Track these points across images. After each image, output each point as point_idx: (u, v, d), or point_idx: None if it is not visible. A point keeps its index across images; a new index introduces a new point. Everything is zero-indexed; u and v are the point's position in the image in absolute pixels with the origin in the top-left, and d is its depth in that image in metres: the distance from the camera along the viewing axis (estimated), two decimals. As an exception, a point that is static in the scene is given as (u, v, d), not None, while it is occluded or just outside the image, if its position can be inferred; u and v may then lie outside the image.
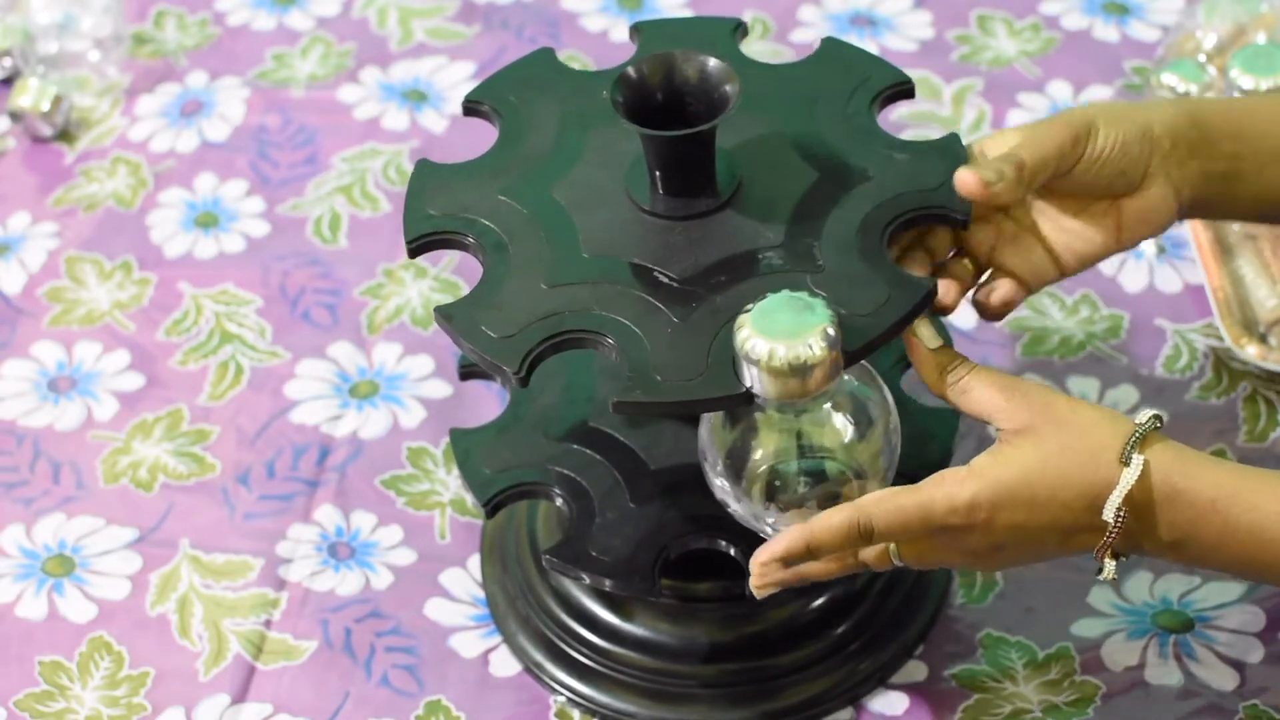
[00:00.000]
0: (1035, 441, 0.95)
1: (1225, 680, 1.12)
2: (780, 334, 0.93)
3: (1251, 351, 1.24)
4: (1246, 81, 1.29)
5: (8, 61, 1.49)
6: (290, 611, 1.18)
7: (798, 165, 1.03)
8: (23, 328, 1.34)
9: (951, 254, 1.05)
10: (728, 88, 0.99)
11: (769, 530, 1.00)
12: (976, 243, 1.04)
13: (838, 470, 0.99)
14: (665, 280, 0.99)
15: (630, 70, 1.00)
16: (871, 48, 1.48)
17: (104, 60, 1.49)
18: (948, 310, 1.02)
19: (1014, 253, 1.04)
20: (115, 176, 1.43)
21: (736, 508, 1.01)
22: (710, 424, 1.00)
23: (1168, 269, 1.33)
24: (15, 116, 1.45)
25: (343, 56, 1.51)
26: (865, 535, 0.96)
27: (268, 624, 1.17)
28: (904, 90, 1.07)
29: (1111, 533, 0.94)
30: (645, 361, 0.96)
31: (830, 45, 1.10)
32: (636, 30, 1.10)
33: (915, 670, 1.14)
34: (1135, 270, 1.33)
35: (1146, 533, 0.95)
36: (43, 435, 1.27)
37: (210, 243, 1.38)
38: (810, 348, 0.93)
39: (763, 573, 0.98)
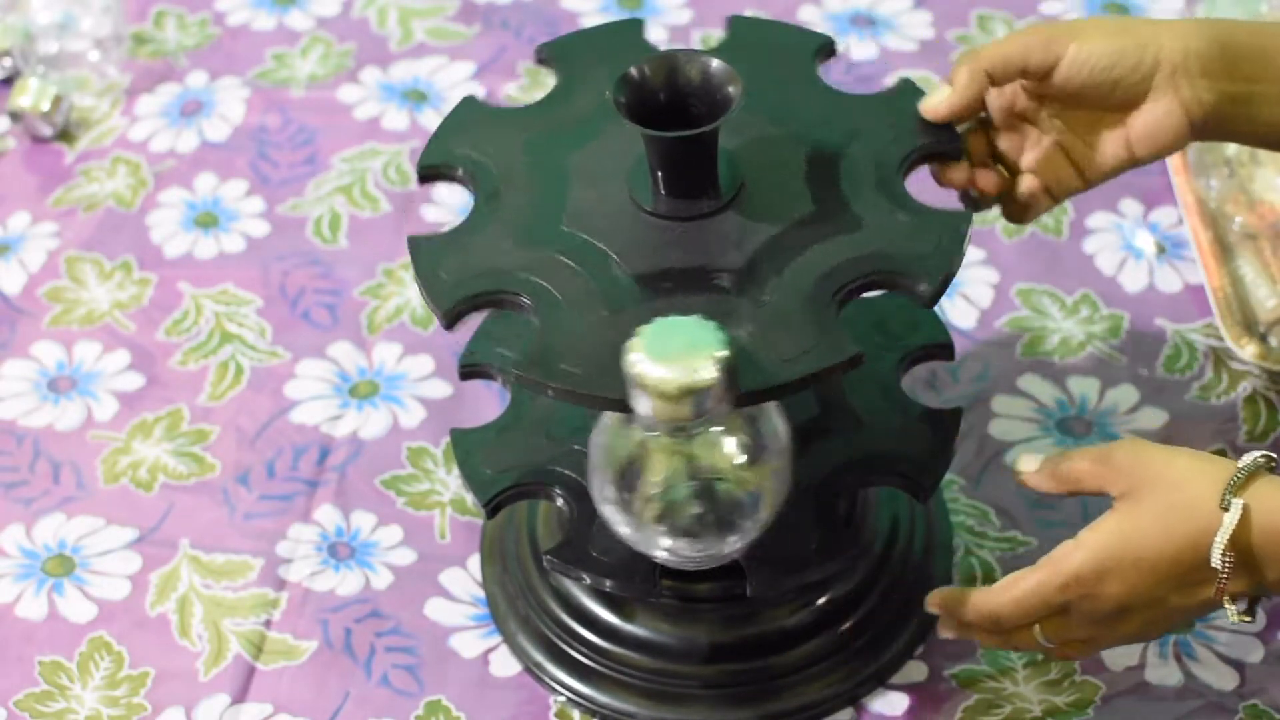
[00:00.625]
0: (1133, 502, 0.96)
1: (1225, 680, 1.12)
2: (670, 357, 0.92)
3: (1251, 351, 1.24)
4: None
5: (8, 61, 1.49)
6: (290, 611, 1.18)
7: (799, 191, 1.02)
8: (23, 328, 1.34)
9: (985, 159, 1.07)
10: (730, 89, 0.99)
11: (659, 554, 1.01)
12: (1006, 149, 1.07)
13: (727, 492, 0.99)
14: (620, 273, 0.99)
15: (633, 70, 1.00)
16: (871, 48, 1.48)
17: (104, 60, 1.49)
18: (986, 200, 1.07)
19: (1040, 160, 1.06)
20: (115, 176, 1.43)
21: (625, 530, 1.01)
22: (604, 438, 1.00)
23: (1168, 269, 1.33)
24: (15, 116, 1.45)
25: (343, 56, 1.51)
26: (995, 625, 1.00)
27: (268, 624, 1.17)
28: (950, 151, 1.05)
29: (1222, 578, 0.95)
30: (555, 344, 0.95)
31: (905, 86, 1.07)
32: (733, 23, 1.11)
33: (915, 670, 1.14)
34: (1135, 270, 1.33)
35: (1261, 572, 0.95)
36: (43, 435, 1.27)
37: (210, 243, 1.38)
38: (699, 373, 0.91)
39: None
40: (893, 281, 0.98)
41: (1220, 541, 0.94)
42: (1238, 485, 0.94)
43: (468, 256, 1.00)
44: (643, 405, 0.92)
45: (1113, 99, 1.03)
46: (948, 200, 1.06)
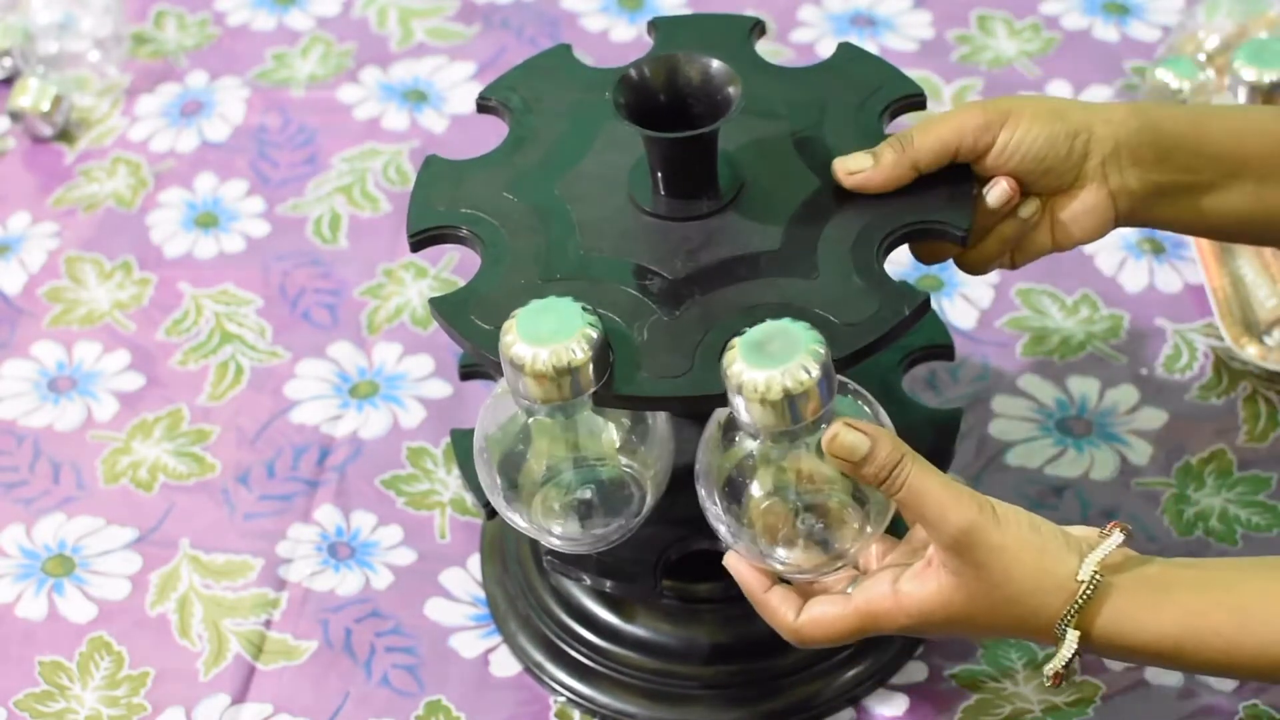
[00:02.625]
0: (964, 590, 0.92)
1: (1225, 680, 1.12)
2: (543, 337, 0.93)
3: (1251, 351, 1.24)
4: (1249, 74, 1.29)
5: (8, 61, 1.49)
6: (290, 611, 1.18)
7: (799, 171, 1.02)
8: (23, 328, 1.34)
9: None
10: (730, 90, 0.99)
11: (552, 540, 1.01)
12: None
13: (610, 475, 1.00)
14: (659, 280, 0.99)
15: (632, 71, 1.00)
16: (871, 47, 1.48)
17: (104, 60, 1.49)
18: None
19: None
20: (115, 176, 1.43)
21: (515, 518, 1.01)
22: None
23: (1168, 269, 1.33)
24: (15, 116, 1.45)
25: (343, 56, 1.51)
26: (788, 634, 0.96)
27: (268, 624, 1.17)
28: (916, 102, 1.07)
29: (1047, 679, 0.93)
30: (627, 356, 0.96)
31: (845, 51, 1.09)
32: (654, 26, 1.11)
33: (915, 670, 1.14)
34: (1135, 270, 1.33)
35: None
36: (43, 435, 1.27)
37: (210, 243, 1.38)
38: (572, 352, 0.92)
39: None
40: (928, 228, 1.00)
41: (1054, 667, 0.92)
42: (1074, 614, 0.91)
43: (494, 301, 0.99)
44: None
45: (1041, 184, 1.02)
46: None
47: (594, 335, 0.93)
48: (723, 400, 0.93)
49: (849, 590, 0.96)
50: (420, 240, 1.03)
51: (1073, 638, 0.91)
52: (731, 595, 1.08)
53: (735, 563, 0.97)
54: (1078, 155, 1.01)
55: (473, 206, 1.03)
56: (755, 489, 0.96)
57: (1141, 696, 1.11)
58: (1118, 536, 0.91)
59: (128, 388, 1.30)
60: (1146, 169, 1.02)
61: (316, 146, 1.44)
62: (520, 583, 1.16)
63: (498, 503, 1.01)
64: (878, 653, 1.13)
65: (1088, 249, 1.34)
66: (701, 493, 0.97)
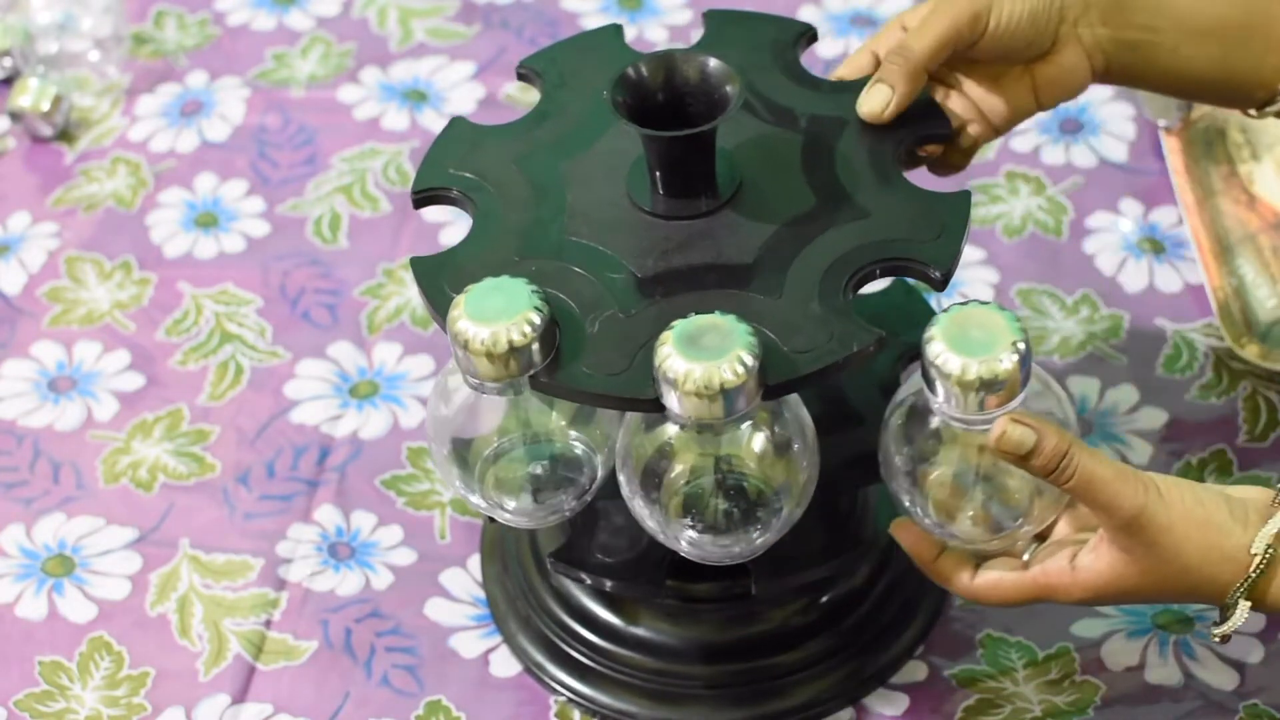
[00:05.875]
0: (1136, 565, 0.95)
1: (1225, 680, 1.12)
2: (490, 317, 0.94)
3: (1251, 351, 1.24)
4: None
5: (8, 61, 1.49)
6: (290, 611, 1.18)
7: (798, 185, 1.02)
8: (23, 328, 1.34)
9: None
10: (728, 89, 0.99)
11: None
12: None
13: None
14: (627, 275, 0.99)
15: (630, 70, 1.00)
16: (871, 48, 1.48)
17: (104, 60, 1.49)
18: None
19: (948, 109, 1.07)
20: (115, 176, 1.43)
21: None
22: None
23: (1168, 269, 1.33)
24: (15, 116, 1.45)
25: (343, 56, 1.51)
26: (966, 595, 1.00)
27: (268, 624, 1.17)
28: (941, 138, 1.05)
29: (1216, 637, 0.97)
30: (571, 349, 0.96)
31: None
32: (707, 18, 1.11)
33: (915, 670, 1.14)
34: (1135, 270, 1.33)
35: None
36: (43, 435, 1.27)
37: (210, 243, 1.38)
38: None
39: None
40: (904, 267, 0.98)
41: (1224, 631, 0.96)
42: (1247, 586, 0.94)
43: (469, 270, 0.99)
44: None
45: (1023, 55, 1.06)
46: (940, 183, 1.06)
47: (537, 320, 0.94)
48: (651, 405, 0.94)
49: (1026, 558, 0.99)
50: (421, 198, 1.04)
51: (1244, 607, 0.95)
52: (732, 595, 1.08)
53: (903, 531, 1.01)
54: (1055, 22, 1.04)
55: (478, 173, 1.04)
56: (674, 470, 0.98)
57: (1141, 696, 1.11)
58: None
59: (128, 388, 1.30)
60: (1115, 27, 1.05)
61: (316, 146, 1.44)
62: (520, 583, 1.16)
63: (449, 477, 1.02)
64: (878, 652, 1.13)
65: (1088, 249, 1.34)
66: (621, 473, 0.99)
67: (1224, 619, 0.96)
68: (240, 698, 1.14)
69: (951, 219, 0.99)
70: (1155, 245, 1.34)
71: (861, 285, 0.98)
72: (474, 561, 1.20)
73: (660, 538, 1.01)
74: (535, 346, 0.94)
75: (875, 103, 1.03)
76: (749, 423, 0.97)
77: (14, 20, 1.49)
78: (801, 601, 1.11)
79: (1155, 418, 1.24)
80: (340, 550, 1.21)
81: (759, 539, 1.01)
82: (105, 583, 1.20)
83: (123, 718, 1.13)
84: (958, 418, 0.94)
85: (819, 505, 1.05)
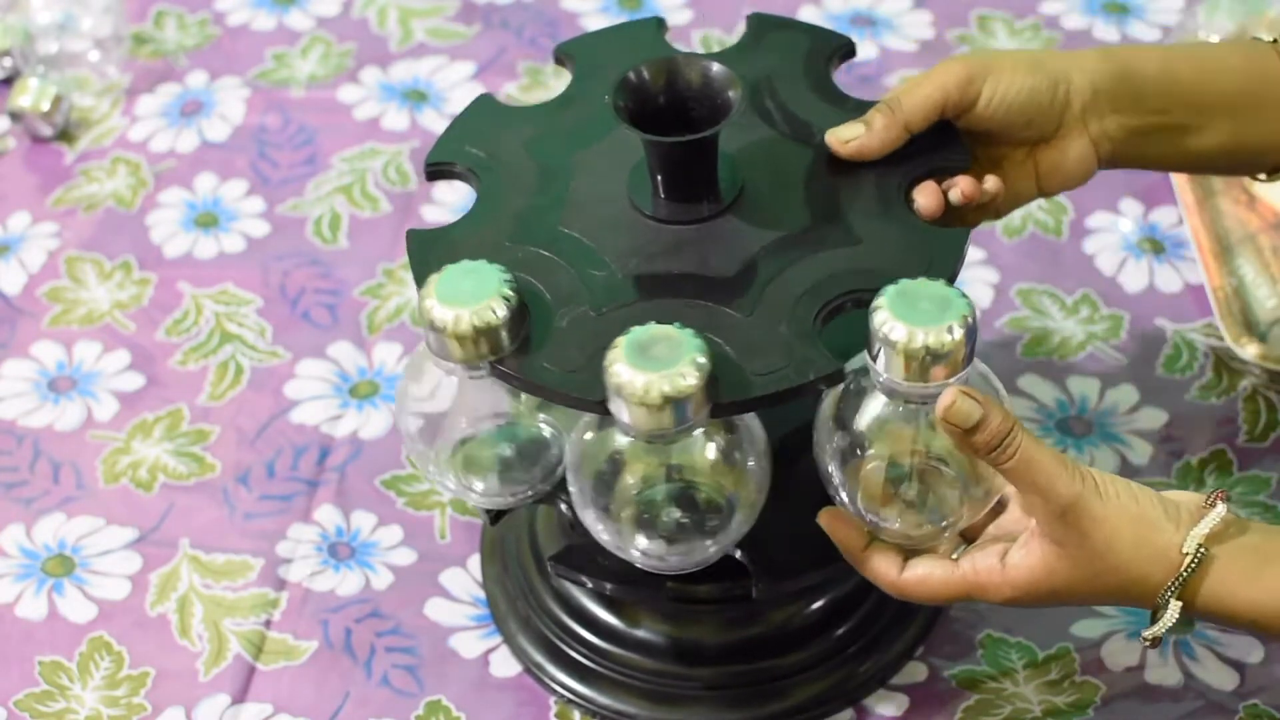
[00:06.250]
0: (1068, 560, 0.94)
1: (1225, 680, 1.12)
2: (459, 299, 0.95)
3: (1251, 351, 1.24)
4: None
5: (8, 61, 1.49)
6: (290, 611, 1.18)
7: (797, 202, 1.01)
8: (23, 328, 1.34)
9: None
10: (730, 93, 0.99)
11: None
12: None
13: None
14: (610, 274, 0.99)
15: (632, 74, 1.00)
16: (871, 48, 1.48)
17: (104, 60, 1.49)
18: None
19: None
20: (115, 176, 1.43)
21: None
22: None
23: (1168, 269, 1.33)
24: (15, 116, 1.45)
25: (343, 56, 1.51)
26: (891, 589, 0.99)
27: (268, 624, 1.17)
28: (956, 168, 1.02)
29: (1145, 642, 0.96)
30: (540, 338, 0.96)
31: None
32: (750, 21, 1.10)
33: (915, 671, 1.14)
34: (1135, 270, 1.33)
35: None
36: (43, 435, 1.27)
37: (210, 243, 1.38)
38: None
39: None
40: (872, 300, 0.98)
41: (1154, 632, 0.94)
42: (1178, 587, 0.93)
43: (461, 249, 1.00)
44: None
45: (1024, 135, 1.04)
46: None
47: (503, 307, 0.94)
48: (598, 407, 0.94)
49: (955, 556, 0.98)
50: (432, 171, 1.05)
51: (1175, 608, 0.93)
52: (732, 596, 1.08)
53: (831, 521, 0.99)
54: (1059, 105, 1.03)
55: (490, 153, 1.05)
56: (626, 479, 0.98)
57: (1142, 696, 1.11)
58: (1221, 508, 0.93)
59: (128, 388, 1.30)
60: (1124, 114, 1.04)
61: (316, 146, 1.44)
62: (520, 583, 1.16)
63: (415, 454, 1.03)
64: (878, 653, 1.13)
65: (1088, 249, 1.34)
66: (572, 482, 0.99)
67: (1154, 620, 0.94)
68: (240, 698, 1.14)
69: (941, 256, 0.97)
70: (1155, 245, 1.34)
71: (833, 317, 0.96)
72: (474, 562, 1.20)
73: (612, 548, 1.01)
74: (501, 333, 0.95)
75: (847, 132, 1.01)
76: (699, 432, 0.96)
77: (14, 20, 1.49)
78: (801, 603, 1.11)
79: (1155, 418, 1.24)
80: (340, 550, 1.21)
81: (712, 548, 1.01)
82: (105, 583, 1.20)
83: (123, 718, 1.13)
84: (900, 387, 0.92)
85: (818, 507, 1.05)
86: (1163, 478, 1.21)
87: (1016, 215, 1.36)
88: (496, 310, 0.94)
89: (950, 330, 0.90)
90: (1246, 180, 1.31)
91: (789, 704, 1.11)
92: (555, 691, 1.13)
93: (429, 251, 1.00)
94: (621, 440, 0.97)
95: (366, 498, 1.23)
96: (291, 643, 1.16)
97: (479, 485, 1.05)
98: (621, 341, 0.92)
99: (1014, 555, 0.96)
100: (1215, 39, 1.38)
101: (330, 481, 1.24)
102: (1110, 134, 1.04)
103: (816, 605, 1.12)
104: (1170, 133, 1.04)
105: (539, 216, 1.02)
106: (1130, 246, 1.34)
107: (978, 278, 1.33)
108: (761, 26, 1.10)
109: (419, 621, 1.17)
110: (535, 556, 1.15)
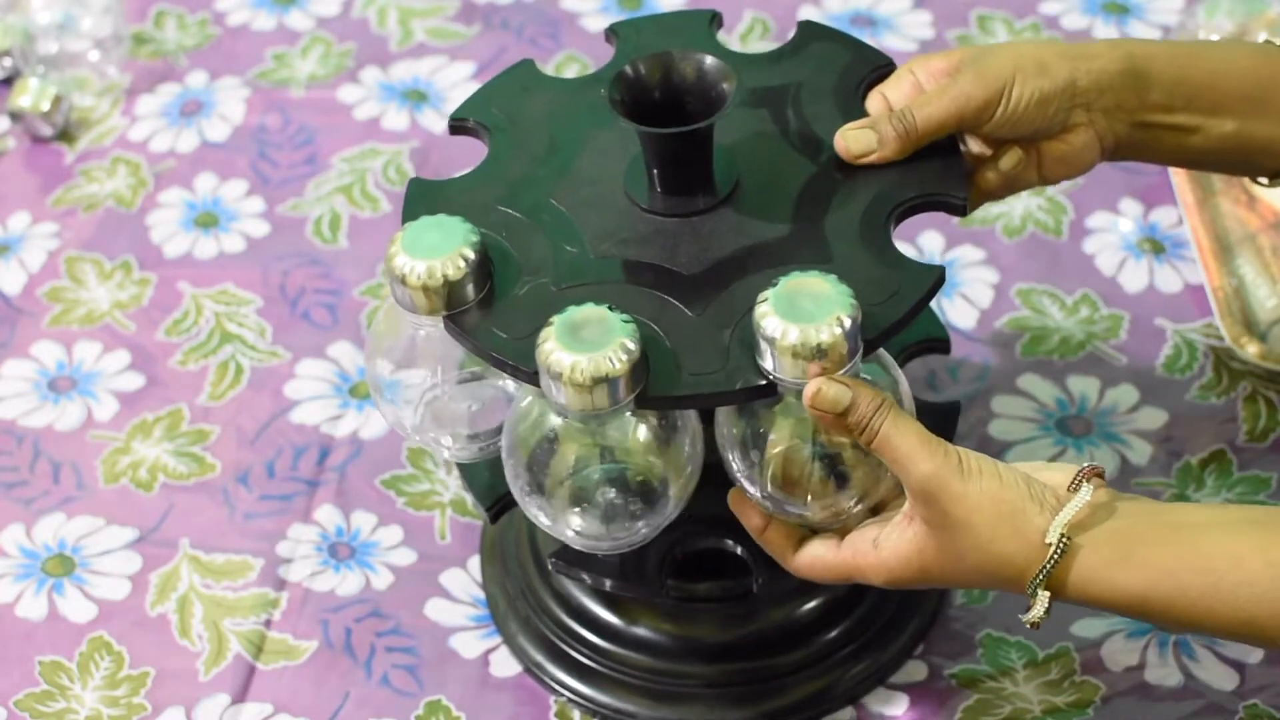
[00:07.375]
0: (935, 538, 0.94)
1: (1225, 680, 1.12)
2: (427, 252, 0.97)
3: (1251, 351, 1.24)
4: None
5: (8, 61, 1.49)
6: (290, 611, 1.18)
7: (782, 211, 1.01)
8: (23, 328, 1.34)
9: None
10: (725, 85, 0.99)
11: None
12: None
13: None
14: (584, 252, 1.00)
15: (627, 68, 1.00)
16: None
17: (104, 60, 1.49)
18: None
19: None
20: (115, 176, 1.43)
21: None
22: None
23: (1168, 269, 1.33)
24: (15, 116, 1.45)
25: (343, 56, 1.51)
26: (793, 570, 1.00)
27: (268, 624, 1.17)
28: (951, 207, 1.02)
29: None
30: (499, 301, 0.98)
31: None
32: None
33: (915, 670, 1.14)
34: (1135, 270, 1.33)
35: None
36: (43, 435, 1.27)
37: (210, 243, 1.38)
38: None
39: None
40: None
41: (1030, 620, 0.94)
42: (1044, 576, 0.92)
43: (452, 204, 1.01)
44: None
45: (1029, 137, 1.05)
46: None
47: (458, 265, 0.96)
48: (532, 378, 0.94)
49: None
50: (454, 126, 1.07)
51: (1044, 596, 0.93)
52: (732, 595, 1.08)
53: (738, 502, 1.00)
54: (1067, 107, 1.03)
55: (511, 117, 1.06)
56: (561, 460, 0.99)
57: (1141, 696, 1.11)
58: (1085, 492, 0.93)
59: (128, 388, 1.30)
60: (1130, 111, 1.04)
61: (316, 146, 1.44)
62: (520, 583, 1.16)
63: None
64: (877, 651, 1.13)
65: (1088, 249, 1.34)
66: (507, 464, 1.00)
67: (1029, 607, 0.94)
68: (240, 698, 1.14)
69: (908, 288, 0.96)
70: (1155, 245, 1.34)
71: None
72: (474, 562, 1.20)
73: (547, 528, 1.01)
74: (455, 289, 0.96)
75: (857, 145, 1.02)
76: (630, 414, 0.97)
77: (14, 20, 1.49)
78: (800, 601, 1.11)
79: (1155, 418, 1.24)
80: (340, 550, 1.21)
81: (644, 529, 1.01)
82: (105, 583, 1.20)
83: (123, 718, 1.13)
84: (780, 380, 0.93)
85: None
86: (1163, 478, 1.21)
87: (1016, 215, 1.36)
88: (452, 267, 0.96)
89: (822, 330, 0.91)
90: (1246, 180, 1.31)
91: (788, 702, 1.11)
92: (555, 691, 1.13)
93: (421, 201, 1.02)
94: (555, 420, 0.98)
95: (366, 498, 1.23)
96: (291, 643, 1.16)
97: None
98: (556, 320, 0.93)
99: (887, 536, 0.96)
100: (1215, 39, 1.38)
101: (330, 481, 1.24)
102: (1115, 128, 1.04)
103: (816, 603, 1.12)
104: (1174, 130, 1.05)
105: (534, 185, 1.03)
106: (1130, 246, 1.34)
107: (978, 277, 1.33)
108: (809, 34, 1.10)
109: (419, 621, 1.17)
110: (535, 556, 1.15)
